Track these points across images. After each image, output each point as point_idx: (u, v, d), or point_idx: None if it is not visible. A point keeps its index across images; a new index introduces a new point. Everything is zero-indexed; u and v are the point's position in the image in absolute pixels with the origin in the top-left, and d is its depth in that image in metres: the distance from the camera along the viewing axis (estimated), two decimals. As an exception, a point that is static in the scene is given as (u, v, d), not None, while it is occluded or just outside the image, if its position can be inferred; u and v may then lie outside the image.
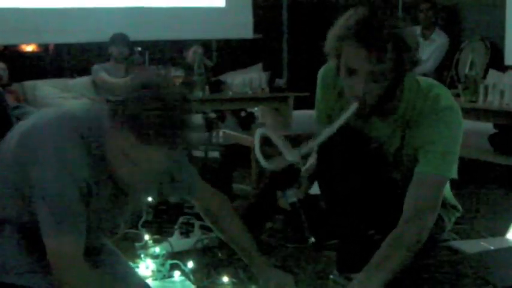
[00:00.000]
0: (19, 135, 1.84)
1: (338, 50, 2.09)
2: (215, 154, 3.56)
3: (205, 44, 6.69)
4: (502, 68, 5.56)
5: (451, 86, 5.60)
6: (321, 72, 2.44)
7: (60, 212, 1.74)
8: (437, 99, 2.19)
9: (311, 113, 2.59)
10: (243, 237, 2.22)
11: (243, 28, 7.26)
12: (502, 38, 5.76)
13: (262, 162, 2.24)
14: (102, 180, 1.82)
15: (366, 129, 2.30)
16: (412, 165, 2.18)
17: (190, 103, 1.74)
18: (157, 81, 1.74)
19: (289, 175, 2.41)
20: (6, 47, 6.58)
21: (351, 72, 2.06)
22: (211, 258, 2.80)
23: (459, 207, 2.52)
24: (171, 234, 3.10)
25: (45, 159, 1.74)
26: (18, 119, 3.18)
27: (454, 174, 2.17)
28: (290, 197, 2.38)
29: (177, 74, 5.32)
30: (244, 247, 2.22)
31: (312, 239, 2.36)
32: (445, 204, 2.39)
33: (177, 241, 3.03)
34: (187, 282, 2.56)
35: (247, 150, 4.27)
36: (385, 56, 2.01)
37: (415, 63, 2.10)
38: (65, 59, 6.90)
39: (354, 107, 2.08)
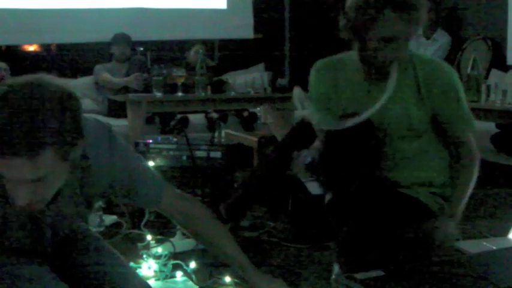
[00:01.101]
0: None
1: (367, 21, 2.19)
2: (217, 154, 3.56)
3: (208, 44, 6.70)
4: (504, 67, 5.55)
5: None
6: (315, 66, 2.50)
7: None
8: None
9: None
10: (228, 243, 2.11)
11: (244, 29, 7.29)
12: (504, 37, 5.76)
13: (300, 107, 2.31)
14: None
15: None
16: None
17: (41, 99, 1.51)
18: None
19: (308, 133, 2.40)
20: (8, 47, 6.59)
21: (389, 39, 2.18)
22: (214, 259, 2.80)
23: None
24: (174, 235, 3.10)
25: None
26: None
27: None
28: (306, 157, 2.33)
29: (179, 74, 5.32)
30: (229, 253, 2.11)
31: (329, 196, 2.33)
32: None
33: (180, 241, 3.03)
34: (190, 283, 2.56)
35: (250, 150, 4.27)
36: (416, 21, 2.18)
37: None
38: (67, 59, 6.91)
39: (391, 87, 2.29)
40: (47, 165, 1.52)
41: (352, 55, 2.40)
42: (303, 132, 2.42)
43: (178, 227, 3.11)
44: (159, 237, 3.10)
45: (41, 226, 1.86)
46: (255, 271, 2.12)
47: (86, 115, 1.69)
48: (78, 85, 6.35)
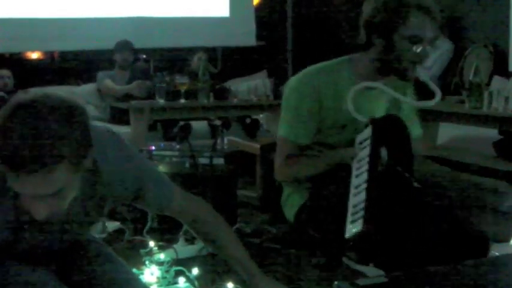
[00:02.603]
0: None
1: (397, 20, 2.20)
2: (220, 161, 3.56)
3: (210, 51, 6.71)
4: (507, 74, 5.55)
5: (456, 92, 5.61)
6: (293, 83, 2.40)
7: None
8: None
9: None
10: (236, 247, 2.10)
11: (246, 36, 7.32)
12: (507, 44, 5.76)
13: (355, 114, 2.23)
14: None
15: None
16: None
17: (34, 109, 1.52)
18: None
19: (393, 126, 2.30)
20: (11, 55, 6.61)
21: (416, 39, 2.21)
22: (216, 265, 2.80)
23: None
24: (176, 241, 3.11)
25: None
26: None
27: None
28: (385, 156, 2.18)
29: (182, 81, 5.34)
30: (237, 257, 2.09)
31: (416, 184, 2.22)
32: None
33: (182, 248, 3.03)
34: (192, 289, 2.57)
35: (252, 157, 4.27)
36: (437, 26, 2.24)
37: None
38: (70, 67, 6.93)
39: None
40: (62, 179, 1.54)
41: (344, 66, 2.37)
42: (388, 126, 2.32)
43: (180, 233, 3.12)
44: (161, 243, 3.10)
45: (51, 233, 1.87)
46: (262, 276, 2.10)
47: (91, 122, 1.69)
48: (81, 92, 6.36)
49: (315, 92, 2.33)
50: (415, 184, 2.19)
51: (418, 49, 2.23)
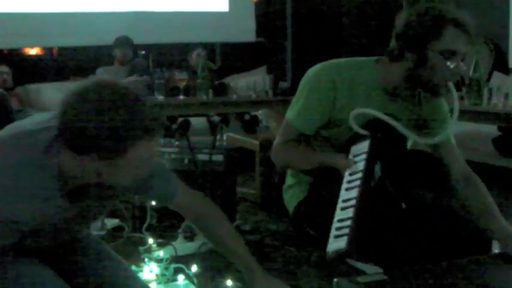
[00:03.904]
0: None
1: (429, 36, 2.18)
2: (219, 158, 3.55)
3: (209, 47, 6.70)
4: (506, 70, 5.54)
5: (455, 88, 5.59)
6: (313, 72, 2.38)
7: None
8: None
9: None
10: (237, 243, 2.13)
11: (246, 32, 7.30)
12: (506, 40, 5.76)
13: (356, 128, 2.20)
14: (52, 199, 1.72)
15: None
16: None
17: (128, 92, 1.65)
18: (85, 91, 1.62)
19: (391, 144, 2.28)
20: (10, 51, 6.59)
21: (449, 54, 2.19)
22: (215, 262, 2.80)
23: None
24: (175, 238, 3.10)
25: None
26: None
27: None
28: (377, 171, 2.17)
29: (180, 77, 5.32)
30: (239, 253, 2.11)
31: (403, 205, 2.21)
32: None
33: (181, 245, 3.03)
34: (192, 286, 2.56)
35: (252, 153, 4.26)
36: (470, 43, 2.24)
37: None
38: (69, 63, 6.91)
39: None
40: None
41: (368, 68, 2.35)
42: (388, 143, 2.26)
43: (180, 230, 3.12)
44: (160, 240, 3.09)
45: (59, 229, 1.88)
46: (262, 272, 2.11)
47: None
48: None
49: (332, 86, 2.31)
50: (403, 205, 2.18)
51: (452, 65, 2.19)
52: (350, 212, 2.00)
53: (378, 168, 2.15)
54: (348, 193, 2.08)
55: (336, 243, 1.96)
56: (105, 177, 1.66)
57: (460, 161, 2.46)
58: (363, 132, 2.20)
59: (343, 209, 2.04)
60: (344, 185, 2.12)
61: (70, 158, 1.63)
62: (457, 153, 2.46)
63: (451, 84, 2.24)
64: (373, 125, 2.23)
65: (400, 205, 2.18)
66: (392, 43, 2.28)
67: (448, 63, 2.19)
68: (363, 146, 2.17)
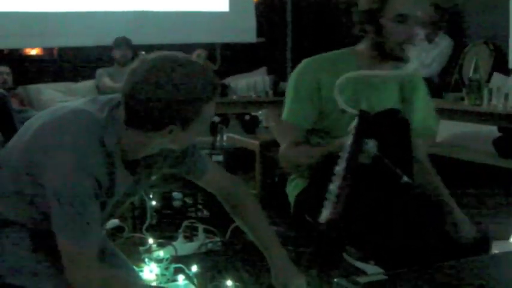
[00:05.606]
0: (31, 133, 1.79)
1: (378, 5, 2.26)
2: (219, 158, 3.56)
3: (209, 48, 6.70)
4: (506, 71, 5.55)
5: (455, 89, 5.60)
6: (296, 70, 2.50)
7: (75, 213, 1.68)
8: None
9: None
10: (265, 227, 2.19)
11: (246, 32, 7.30)
12: (506, 41, 5.75)
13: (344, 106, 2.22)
14: (116, 172, 1.79)
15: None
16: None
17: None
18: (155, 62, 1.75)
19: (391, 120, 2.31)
20: (10, 51, 6.60)
21: (402, 18, 2.27)
22: (215, 262, 2.80)
23: None
24: (175, 238, 3.10)
25: (60, 157, 1.69)
26: (22, 122, 3.19)
27: None
28: (372, 148, 2.17)
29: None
30: (265, 237, 2.17)
31: (405, 178, 2.23)
32: None
33: (181, 245, 3.03)
34: (192, 286, 2.56)
35: (252, 154, 4.27)
36: (423, 4, 2.31)
37: None
38: (69, 63, 6.91)
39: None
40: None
41: (345, 56, 2.43)
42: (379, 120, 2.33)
43: (180, 230, 3.12)
44: (161, 240, 3.10)
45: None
46: (287, 261, 2.15)
47: None
48: (80, 89, 6.36)
49: (315, 77, 2.39)
50: (405, 179, 2.17)
51: (406, 27, 2.28)
52: (337, 183, 2.09)
53: (372, 144, 2.16)
54: (339, 167, 2.14)
55: (324, 214, 2.06)
56: (172, 145, 1.80)
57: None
58: (348, 109, 2.24)
59: (333, 181, 2.11)
60: (338, 161, 2.18)
61: (135, 135, 1.74)
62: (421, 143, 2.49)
63: (405, 45, 2.32)
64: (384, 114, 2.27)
65: (401, 178, 2.19)
66: (356, 23, 2.38)
67: (401, 27, 2.27)
68: (354, 123, 2.22)
